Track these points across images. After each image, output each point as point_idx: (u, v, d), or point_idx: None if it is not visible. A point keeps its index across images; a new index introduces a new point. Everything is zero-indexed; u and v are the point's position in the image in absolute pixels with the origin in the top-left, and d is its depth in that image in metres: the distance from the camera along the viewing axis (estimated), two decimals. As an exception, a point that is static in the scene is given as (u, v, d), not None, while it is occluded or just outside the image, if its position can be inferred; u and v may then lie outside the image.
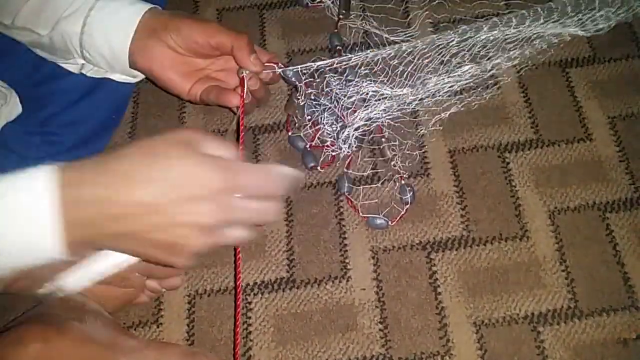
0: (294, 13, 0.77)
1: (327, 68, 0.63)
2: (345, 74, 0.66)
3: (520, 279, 0.60)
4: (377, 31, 0.72)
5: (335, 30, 0.74)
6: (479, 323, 0.58)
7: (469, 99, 0.68)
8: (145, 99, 0.72)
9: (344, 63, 0.62)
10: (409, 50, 0.59)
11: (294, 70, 0.61)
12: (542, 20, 0.64)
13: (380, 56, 0.59)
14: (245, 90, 0.56)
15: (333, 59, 0.59)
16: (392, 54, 0.59)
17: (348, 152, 0.65)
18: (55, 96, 0.61)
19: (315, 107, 0.66)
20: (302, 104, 0.65)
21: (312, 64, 0.59)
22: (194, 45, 0.55)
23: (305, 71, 0.61)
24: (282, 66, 0.60)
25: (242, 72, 0.56)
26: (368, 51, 0.60)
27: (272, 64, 0.59)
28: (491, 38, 0.63)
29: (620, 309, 0.58)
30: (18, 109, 0.59)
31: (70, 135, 0.61)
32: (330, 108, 0.65)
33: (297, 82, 0.62)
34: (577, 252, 0.61)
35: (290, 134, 0.68)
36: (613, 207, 0.63)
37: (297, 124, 0.68)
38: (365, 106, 0.64)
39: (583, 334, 0.57)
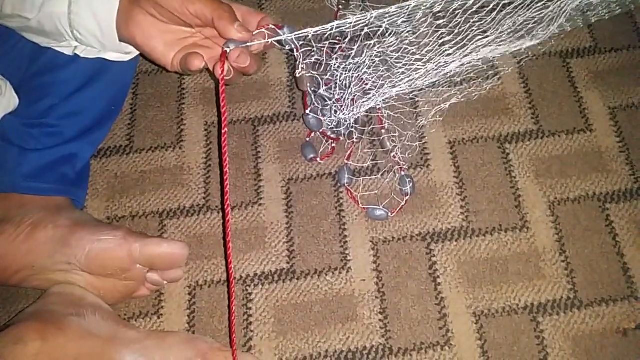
0: (293, 3, 0.77)
1: (330, 55, 0.62)
2: (349, 57, 0.65)
3: (520, 269, 0.60)
4: (377, 21, 0.71)
5: (335, 21, 0.74)
6: (478, 313, 0.58)
7: (469, 90, 0.68)
8: (144, 90, 0.71)
9: (346, 48, 0.60)
10: (415, 10, 0.54)
11: (288, 36, 0.51)
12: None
13: (383, 21, 0.54)
14: (226, 65, 0.50)
15: (331, 24, 0.53)
16: (396, 13, 0.54)
17: (355, 139, 0.64)
18: (54, 87, 0.60)
19: (318, 99, 0.66)
20: (307, 74, 0.60)
21: (309, 29, 0.51)
22: (174, 13, 0.51)
23: (302, 41, 0.53)
24: (275, 29, 0.52)
25: (227, 46, 0.50)
26: (372, 13, 0.52)
27: (262, 31, 0.51)
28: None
29: (619, 299, 0.58)
30: (15, 100, 0.59)
31: (69, 126, 0.61)
32: (333, 96, 0.65)
33: (293, 47, 0.53)
34: (577, 242, 0.61)
35: (307, 111, 0.65)
36: (613, 198, 0.63)
37: (313, 102, 0.65)
38: (368, 90, 0.63)
39: (583, 324, 0.57)
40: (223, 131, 0.48)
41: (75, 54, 0.59)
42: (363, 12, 0.73)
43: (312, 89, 0.64)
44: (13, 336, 0.48)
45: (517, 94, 0.69)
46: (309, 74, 0.60)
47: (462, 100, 0.68)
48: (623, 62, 0.71)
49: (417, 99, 0.68)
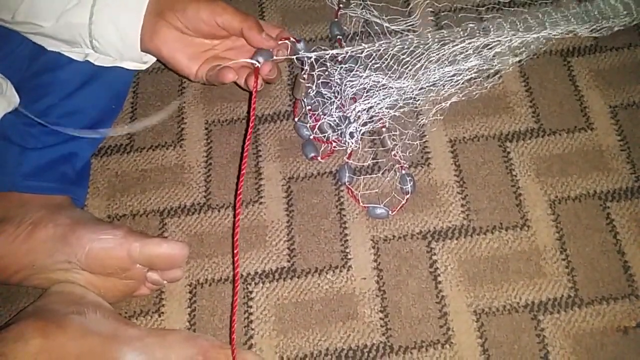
0: (293, 2, 0.76)
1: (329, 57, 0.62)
2: (346, 63, 0.66)
3: (521, 268, 0.60)
4: (378, 20, 0.71)
5: (336, 19, 0.74)
6: (479, 312, 0.58)
7: (470, 88, 0.68)
8: (144, 89, 0.71)
9: (351, 53, 0.61)
10: (417, 42, 0.59)
11: (309, 54, 0.59)
12: (546, 25, 0.64)
13: (391, 48, 0.59)
14: (259, 80, 0.55)
15: (347, 48, 0.58)
16: (401, 45, 0.58)
17: (356, 147, 0.65)
18: (54, 86, 0.60)
19: (318, 99, 0.66)
20: (309, 85, 0.63)
21: (327, 50, 0.57)
22: (201, 25, 0.54)
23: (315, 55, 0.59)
24: (294, 40, 0.58)
25: (256, 59, 0.55)
26: (380, 43, 0.58)
27: (284, 42, 0.57)
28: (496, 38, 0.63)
29: (620, 298, 0.58)
30: (15, 99, 0.59)
31: (70, 125, 0.61)
32: (333, 100, 0.65)
33: (308, 61, 0.60)
34: (578, 241, 0.61)
35: (296, 119, 0.67)
36: (614, 197, 0.63)
37: (304, 111, 0.67)
38: (367, 97, 0.63)
39: (583, 323, 0.57)
40: (248, 136, 0.53)
41: (87, 61, 0.59)
42: (363, 10, 0.73)
43: (312, 88, 0.64)
44: (14, 334, 0.48)
45: (518, 93, 0.69)
46: (308, 84, 0.63)
47: (463, 98, 0.68)
48: (624, 61, 0.71)
49: (418, 98, 0.68)
